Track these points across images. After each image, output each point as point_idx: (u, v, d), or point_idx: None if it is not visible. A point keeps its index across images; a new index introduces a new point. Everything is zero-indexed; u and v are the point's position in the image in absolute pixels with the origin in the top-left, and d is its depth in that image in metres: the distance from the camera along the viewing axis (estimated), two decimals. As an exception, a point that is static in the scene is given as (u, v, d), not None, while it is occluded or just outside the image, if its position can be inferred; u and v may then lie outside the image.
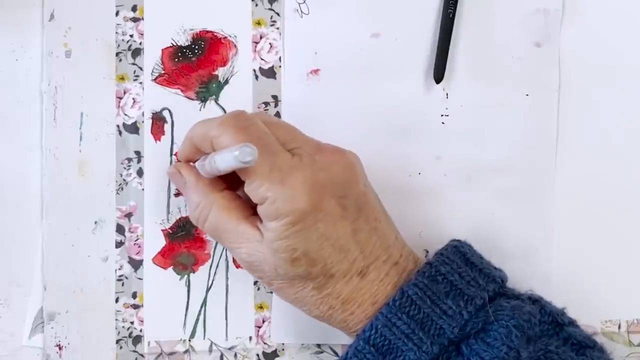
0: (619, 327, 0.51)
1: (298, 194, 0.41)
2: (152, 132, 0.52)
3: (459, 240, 0.46)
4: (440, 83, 0.50)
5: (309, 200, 0.41)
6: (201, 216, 0.45)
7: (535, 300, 0.45)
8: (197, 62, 0.52)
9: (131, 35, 0.52)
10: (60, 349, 0.51)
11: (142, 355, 0.51)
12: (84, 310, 0.51)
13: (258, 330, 0.51)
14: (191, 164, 0.47)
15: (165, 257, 0.51)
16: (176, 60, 0.52)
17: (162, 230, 0.51)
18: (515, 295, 0.45)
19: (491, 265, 0.46)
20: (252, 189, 0.42)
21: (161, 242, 0.51)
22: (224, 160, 0.40)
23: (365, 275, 0.43)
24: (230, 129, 0.42)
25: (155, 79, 0.52)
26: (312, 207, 0.41)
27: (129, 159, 0.51)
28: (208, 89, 0.52)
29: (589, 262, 0.51)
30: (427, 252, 0.51)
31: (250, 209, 0.44)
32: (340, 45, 0.52)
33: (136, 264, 0.51)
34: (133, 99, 0.52)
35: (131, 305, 0.51)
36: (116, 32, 0.52)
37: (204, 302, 0.51)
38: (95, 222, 0.51)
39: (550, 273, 0.51)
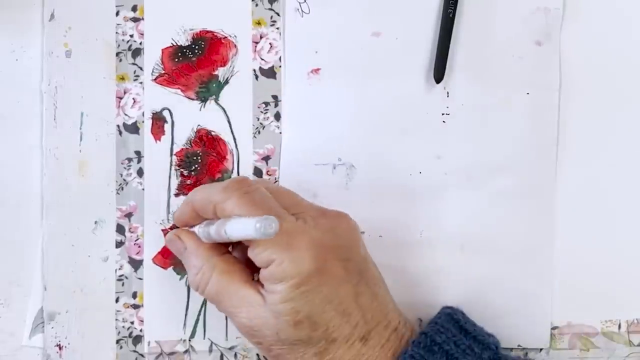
0: (619, 327, 0.51)
1: (304, 255, 0.41)
2: (152, 132, 0.52)
3: (451, 308, 0.47)
4: (441, 82, 0.50)
5: (314, 262, 0.41)
6: (202, 280, 0.44)
7: None
8: (197, 62, 0.52)
9: (131, 35, 0.52)
10: (60, 349, 0.51)
11: (142, 355, 0.51)
12: (84, 310, 0.51)
13: (258, 330, 0.51)
14: (190, 229, 0.47)
15: (166, 257, 0.51)
16: (176, 60, 0.52)
17: (163, 230, 0.51)
18: None
19: (484, 331, 0.46)
20: (257, 253, 0.42)
21: (161, 242, 0.51)
22: (238, 230, 0.40)
23: (367, 340, 0.43)
24: (234, 193, 0.42)
25: (155, 79, 0.52)
26: (317, 269, 0.41)
27: (129, 159, 0.51)
28: (208, 89, 0.52)
29: (589, 262, 0.51)
30: (421, 320, 0.51)
31: (250, 274, 0.44)
32: (340, 44, 0.51)
33: (136, 264, 0.51)
34: (133, 98, 0.52)
35: (131, 305, 0.51)
36: (116, 32, 0.52)
37: (204, 302, 0.51)
38: (96, 222, 0.51)
39: (550, 273, 0.51)
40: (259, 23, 0.52)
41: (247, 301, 0.43)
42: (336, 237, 0.43)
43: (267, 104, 0.51)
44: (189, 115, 0.51)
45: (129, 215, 0.51)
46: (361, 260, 0.44)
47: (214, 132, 0.51)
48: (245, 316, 0.43)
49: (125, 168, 0.51)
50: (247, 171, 0.51)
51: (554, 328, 0.51)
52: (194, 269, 0.45)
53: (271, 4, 0.52)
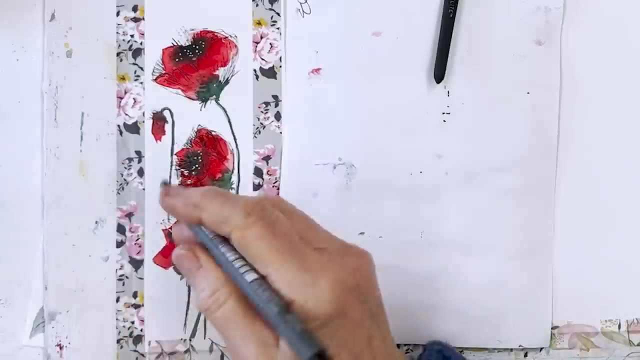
0: (619, 327, 0.51)
1: (327, 297, 0.38)
2: (152, 132, 0.52)
3: (440, 343, 0.45)
4: (442, 81, 0.50)
5: (336, 304, 0.38)
6: (214, 305, 0.40)
7: None
8: (197, 62, 0.52)
9: (132, 35, 0.52)
10: (61, 348, 0.51)
11: (142, 355, 0.51)
12: (85, 309, 0.51)
13: (258, 330, 0.51)
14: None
15: (166, 257, 0.51)
16: (177, 60, 0.52)
17: (163, 230, 0.51)
18: None
19: None
20: (277, 290, 0.38)
21: (162, 242, 0.51)
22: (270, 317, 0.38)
23: None
24: (257, 222, 0.39)
25: (155, 79, 0.52)
26: (337, 311, 0.38)
27: (130, 159, 0.51)
28: (209, 89, 0.52)
29: (589, 262, 0.51)
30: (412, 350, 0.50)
31: None
32: (341, 44, 0.51)
33: (137, 264, 0.51)
34: (134, 99, 0.52)
35: (132, 305, 0.51)
36: (117, 32, 0.52)
37: (205, 302, 0.51)
38: (96, 222, 0.51)
39: (550, 273, 0.51)
40: (259, 23, 0.52)
41: (258, 337, 0.39)
42: (358, 277, 0.40)
43: (267, 103, 0.51)
44: (189, 115, 0.51)
45: (129, 215, 0.51)
46: (377, 301, 0.42)
47: (214, 132, 0.51)
48: (252, 352, 0.39)
49: (125, 168, 0.51)
50: (247, 171, 0.51)
51: (554, 328, 0.51)
52: (206, 290, 0.40)
53: (272, 4, 0.52)
